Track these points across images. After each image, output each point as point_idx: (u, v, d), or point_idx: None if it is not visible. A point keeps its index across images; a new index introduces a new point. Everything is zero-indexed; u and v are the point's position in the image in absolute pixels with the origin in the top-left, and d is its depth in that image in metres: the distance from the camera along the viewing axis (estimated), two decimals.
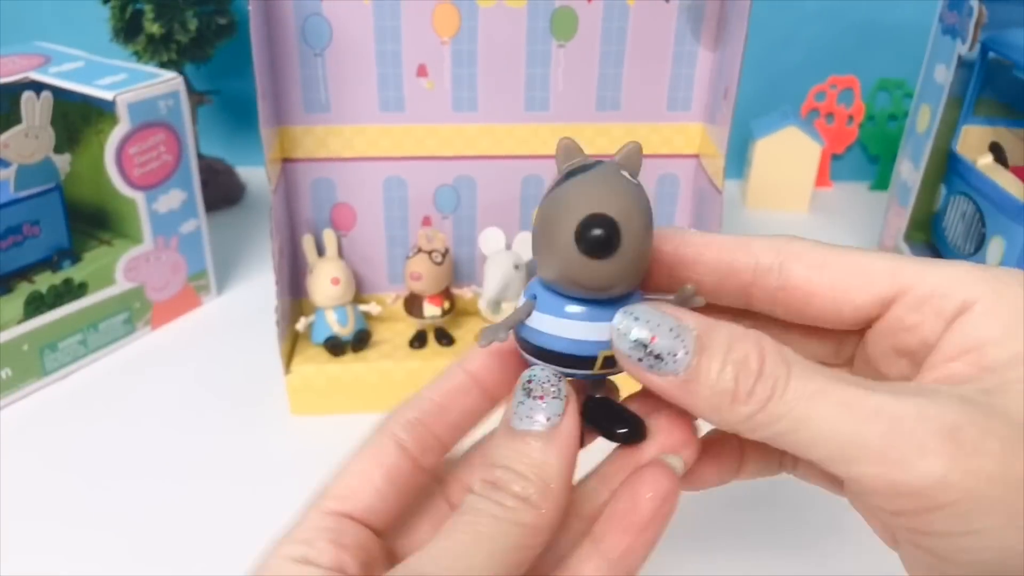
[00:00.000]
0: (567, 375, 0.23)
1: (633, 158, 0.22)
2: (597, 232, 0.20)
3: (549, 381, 0.22)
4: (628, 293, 0.22)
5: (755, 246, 0.23)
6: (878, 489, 0.19)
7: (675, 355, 0.21)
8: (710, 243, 0.24)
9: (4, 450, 0.47)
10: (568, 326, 0.22)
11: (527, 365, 0.23)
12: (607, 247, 0.20)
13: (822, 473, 0.25)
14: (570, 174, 0.21)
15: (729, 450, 0.26)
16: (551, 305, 0.22)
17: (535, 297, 0.23)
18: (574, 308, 0.22)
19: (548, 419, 0.21)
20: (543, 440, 0.21)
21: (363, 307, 0.54)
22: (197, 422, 0.49)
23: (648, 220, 0.21)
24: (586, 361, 0.22)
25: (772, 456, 0.26)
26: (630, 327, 0.21)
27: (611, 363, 0.22)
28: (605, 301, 0.22)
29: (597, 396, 0.25)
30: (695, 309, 0.22)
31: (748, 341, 0.21)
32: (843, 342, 0.25)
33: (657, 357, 0.21)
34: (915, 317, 0.21)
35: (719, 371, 0.20)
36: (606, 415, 0.24)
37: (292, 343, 0.53)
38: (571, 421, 0.22)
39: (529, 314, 0.22)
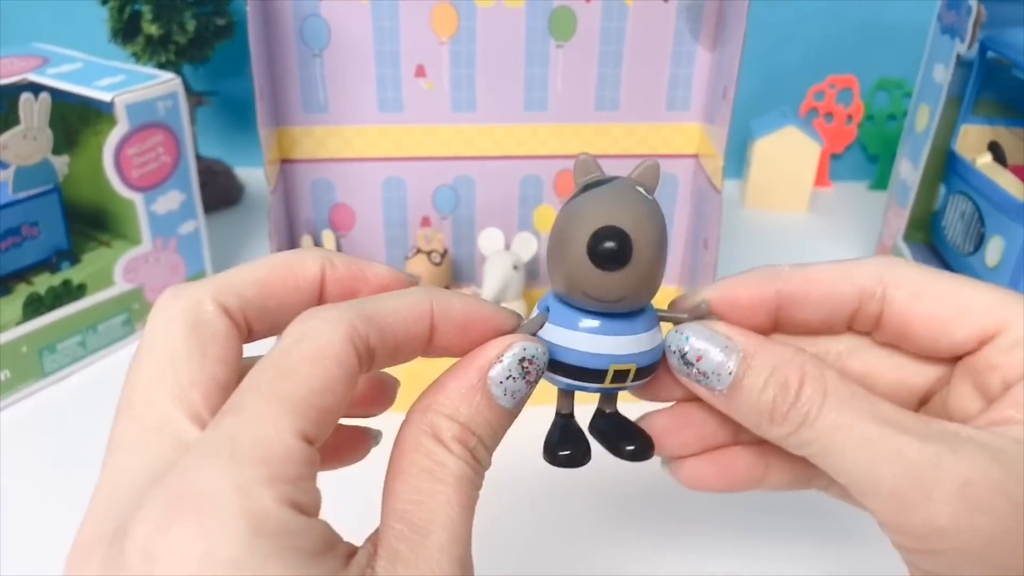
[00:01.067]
0: (576, 388, 0.23)
1: (650, 175, 0.23)
2: (609, 244, 0.20)
3: (541, 366, 0.22)
4: (641, 308, 0.22)
5: (857, 274, 0.23)
6: (885, 523, 0.21)
7: (719, 375, 0.22)
8: (812, 278, 0.24)
9: (3, 451, 0.47)
10: (580, 339, 0.22)
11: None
12: (618, 259, 0.20)
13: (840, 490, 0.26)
14: (586, 188, 0.22)
15: (746, 460, 0.26)
16: (564, 318, 0.22)
17: (548, 310, 0.23)
18: (587, 322, 0.22)
19: (520, 401, 0.22)
20: (509, 419, 0.22)
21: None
22: None
23: (662, 235, 0.22)
24: (597, 374, 0.22)
25: (801, 471, 0.26)
26: (679, 345, 0.23)
27: (621, 377, 0.22)
28: (617, 315, 0.22)
29: (607, 411, 0.25)
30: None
31: (792, 366, 0.22)
32: (940, 376, 0.24)
33: (703, 374, 0.22)
34: (1003, 358, 0.21)
35: (760, 391, 0.22)
36: (615, 431, 0.24)
37: None
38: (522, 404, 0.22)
39: (541, 326, 0.23)
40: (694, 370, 0.22)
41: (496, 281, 0.52)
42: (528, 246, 0.54)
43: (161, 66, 0.66)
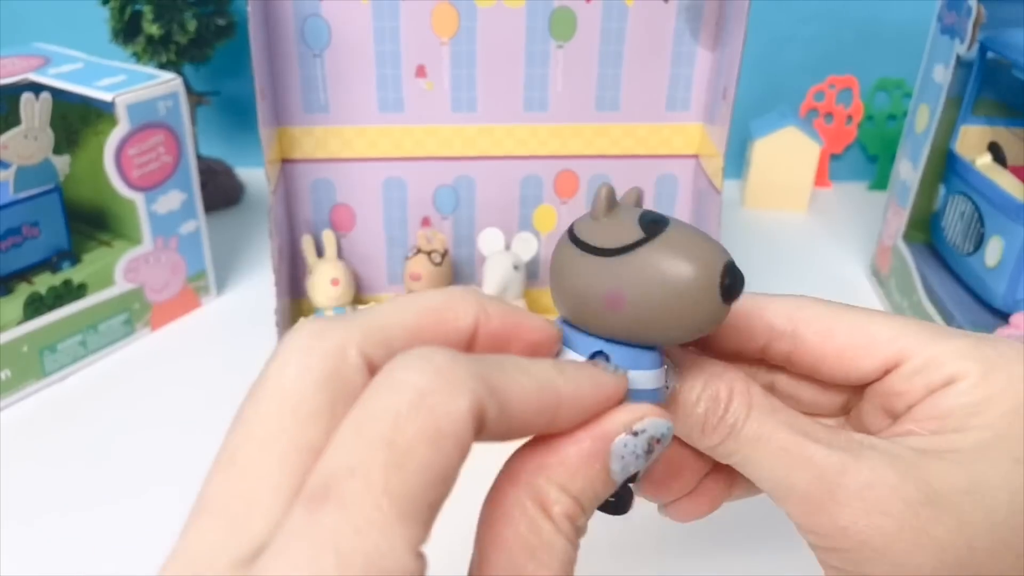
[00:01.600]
0: None
1: (636, 197, 0.23)
2: (740, 275, 0.21)
3: (664, 449, 0.21)
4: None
5: (768, 313, 0.25)
6: (799, 524, 0.23)
7: (666, 387, 0.23)
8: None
9: (4, 451, 0.47)
10: (640, 377, 0.21)
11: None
12: (741, 289, 0.21)
13: None
14: (656, 222, 0.21)
15: (719, 483, 0.27)
16: (580, 343, 0.22)
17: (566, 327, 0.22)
18: (604, 350, 0.21)
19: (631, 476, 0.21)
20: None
21: (363, 308, 0.54)
22: (197, 423, 0.49)
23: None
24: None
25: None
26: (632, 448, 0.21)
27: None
28: (627, 344, 0.21)
29: None
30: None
31: (722, 380, 0.23)
32: (853, 395, 0.26)
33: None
34: (906, 386, 0.23)
35: (693, 404, 0.23)
36: None
37: None
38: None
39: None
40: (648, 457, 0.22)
41: (496, 281, 0.52)
42: (528, 246, 0.54)
43: (162, 66, 0.66)
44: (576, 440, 0.19)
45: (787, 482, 0.22)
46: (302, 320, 0.19)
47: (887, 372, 0.24)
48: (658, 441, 0.20)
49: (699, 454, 0.26)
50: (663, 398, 0.22)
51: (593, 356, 0.21)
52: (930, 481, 0.21)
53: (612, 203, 0.22)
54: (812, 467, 0.22)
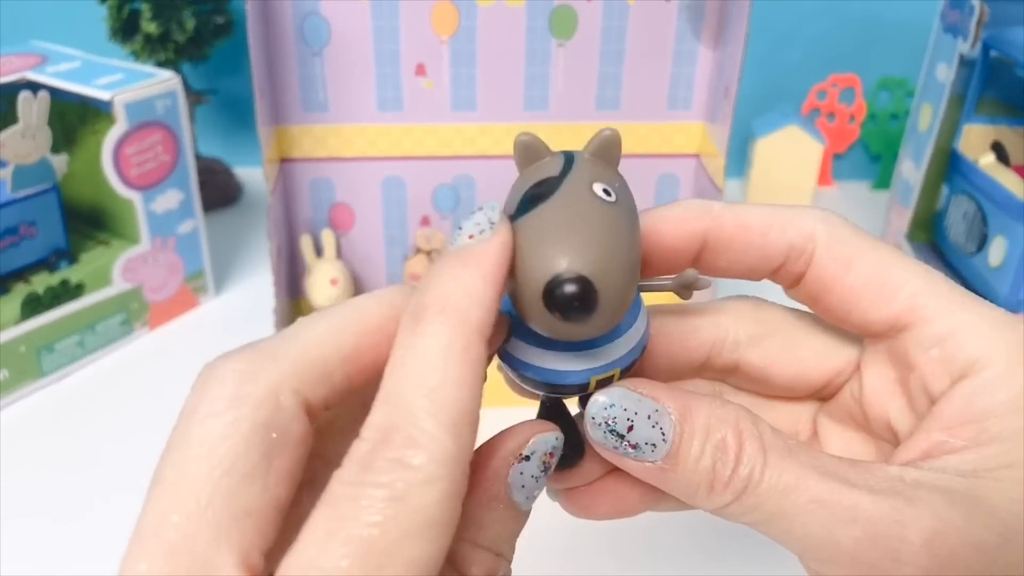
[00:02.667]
0: (560, 395, 0.21)
1: (607, 150, 0.19)
2: (569, 294, 0.17)
3: (558, 455, 0.20)
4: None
5: (791, 228, 0.21)
6: None
7: (653, 445, 0.19)
8: (743, 224, 0.21)
9: (2, 451, 0.47)
10: (553, 358, 0.20)
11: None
12: (583, 310, 0.17)
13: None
14: (533, 199, 0.18)
15: (640, 487, 0.23)
16: (530, 334, 0.20)
17: (510, 314, 0.20)
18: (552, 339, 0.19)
19: (535, 498, 0.20)
20: (526, 519, 0.20)
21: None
22: None
23: (633, 250, 0.18)
24: (577, 388, 0.20)
25: None
26: (605, 415, 0.20)
27: (605, 383, 0.20)
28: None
29: (551, 402, 0.22)
30: (700, 291, 0.21)
31: (726, 423, 0.19)
32: (847, 362, 0.23)
33: (635, 447, 0.19)
34: (923, 358, 0.20)
35: (697, 459, 0.19)
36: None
37: None
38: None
39: (507, 337, 0.20)
40: (624, 443, 0.19)
41: None
42: None
43: (160, 65, 0.66)
44: (471, 493, 0.18)
45: (830, 542, 0.18)
46: (222, 357, 0.17)
47: (895, 331, 0.21)
48: (551, 455, 0.19)
49: (638, 482, 0.22)
50: (628, 362, 0.20)
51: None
52: (995, 514, 0.18)
53: (526, 158, 0.20)
54: (859, 521, 0.18)
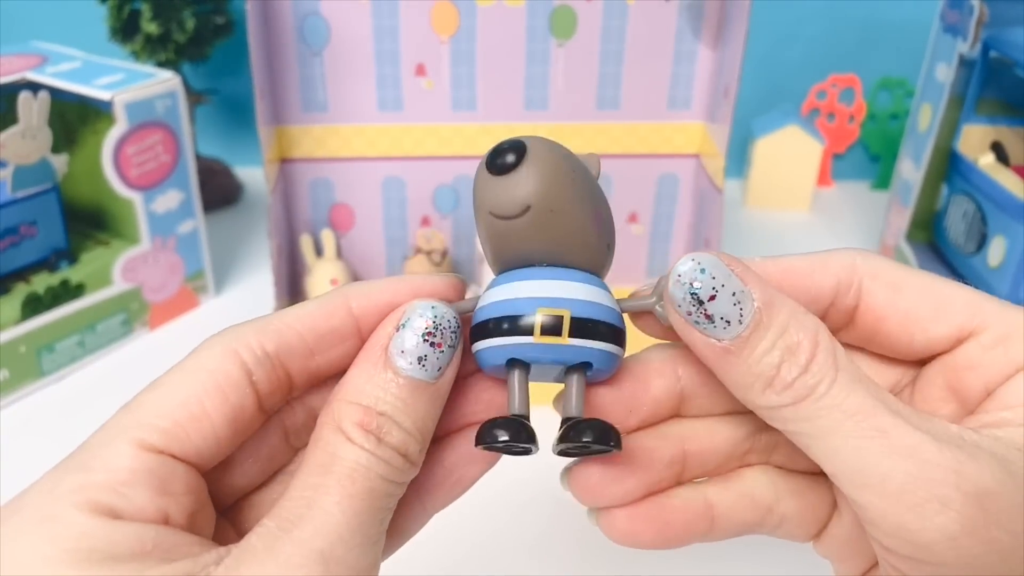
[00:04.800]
0: (510, 353, 0.20)
1: (591, 161, 0.22)
2: (502, 148, 0.20)
3: (451, 325, 0.20)
4: (578, 267, 0.21)
5: (833, 265, 0.21)
6: (880, 524, 0.19)
7: (728, 322, 0.19)
8: (787, 269, 0.21)
9: (2, 451, 0.47)
10: (505, 289, 0.20)
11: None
12: (511, 158, 0.19)
13: (799, 529, 0.24)
14: None
15: (688, 512, 0.23)
16: (497, 281, 0.21)
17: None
18: (512, 274, 0.21)
19: (439, 369, 0.20)
20: (430, 391, 0.20)
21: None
22: None
23: (577, 181, 0.20)
24: (525, 327, 0.20)
25: (750, 515, 0.24)
26: (692, 277, 0.19)
27: (554, 329, 0.20)
28: (552, 269, 0.21)
29: (572, 416, 0.21)
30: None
31: (806, 329, 0.19)
32: (904, 375, 0.23)
33: (709, 318, 0.19)
34: (985, 357, 0.20)
35: (766, 351, 0.19)
36: (577, 428, 0.20)
37: None
38: (454, 372, 0.20)
39: (476, 299, 0.21)
40: (701, 312, 0.19)
41: None
42: None
43: (160, 65, 0.66)
44: (359, 357, 0.20)
45: (879, 470, 0.18)
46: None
47: (959, 342, 0.21)
48: (430, 321, 0.20)
49: (667, 456, 0.22)
50: (582, 311, 0.20)
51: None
52: None
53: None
54: (916, 459, 0.18)
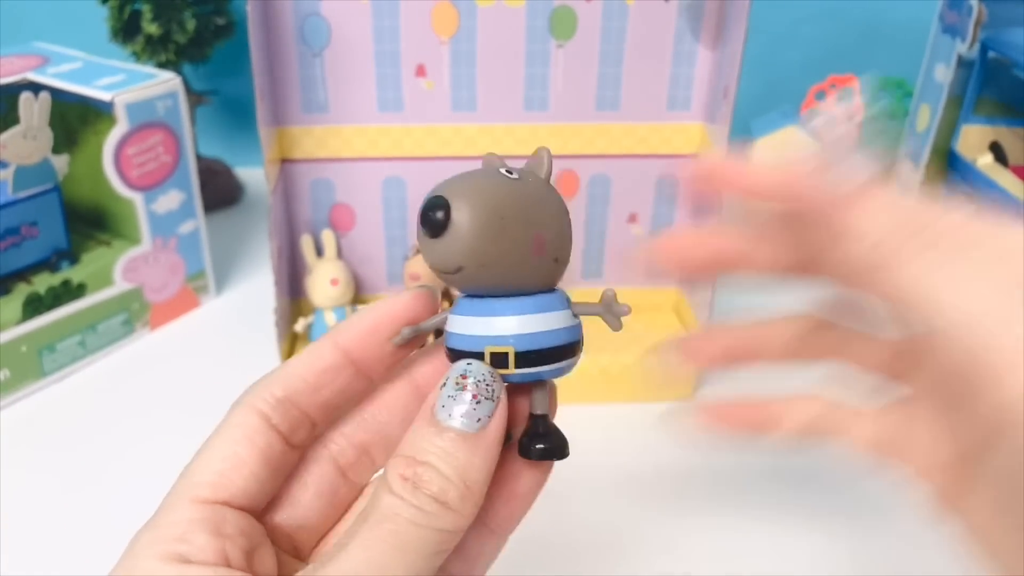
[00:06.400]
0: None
1: (534, 162, 0.23)
2: (429, 206, 0.21)
3: (485, 380, 0.21)
4: (526, 292, 0.22)
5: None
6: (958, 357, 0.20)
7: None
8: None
9: (3, 451, 0.47)
10: (458, 322, 0.22)
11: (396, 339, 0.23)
12: (434, 224, 0.21)
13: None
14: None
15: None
16: (458, 306, 0.23)
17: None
18: (470, 305, 0.22)
19: (479, 420, 0.21)
20: (471, 442, 0.21)
21: (362, 308, 0.53)
22: (196, 423, 0.49)
23: (508, 223, 0.21)
24: (474, 356, 0.22)
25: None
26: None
27: (501, 362, 0.21)
28: (509, 296, 0.22)
29: (535, 414, 0.23)
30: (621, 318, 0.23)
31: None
32: None
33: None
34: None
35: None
36: (530, 434, 0.23)
37: (291, 344, 0.53)
38: (500, 423, 0.21)
39: (444, 319, 0.23)
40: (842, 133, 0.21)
41: None
42: None
43: (161, 65, 0.66)
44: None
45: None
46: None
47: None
48: (463, 376, 0.21)
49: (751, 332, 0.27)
50: (525, 345, 0.21)
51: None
52: None
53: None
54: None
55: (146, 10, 0.64)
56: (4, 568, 0.40)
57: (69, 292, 0.53)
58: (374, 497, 0.20)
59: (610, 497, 0.45)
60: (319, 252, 0.54)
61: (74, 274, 0.53)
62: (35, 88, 0.50)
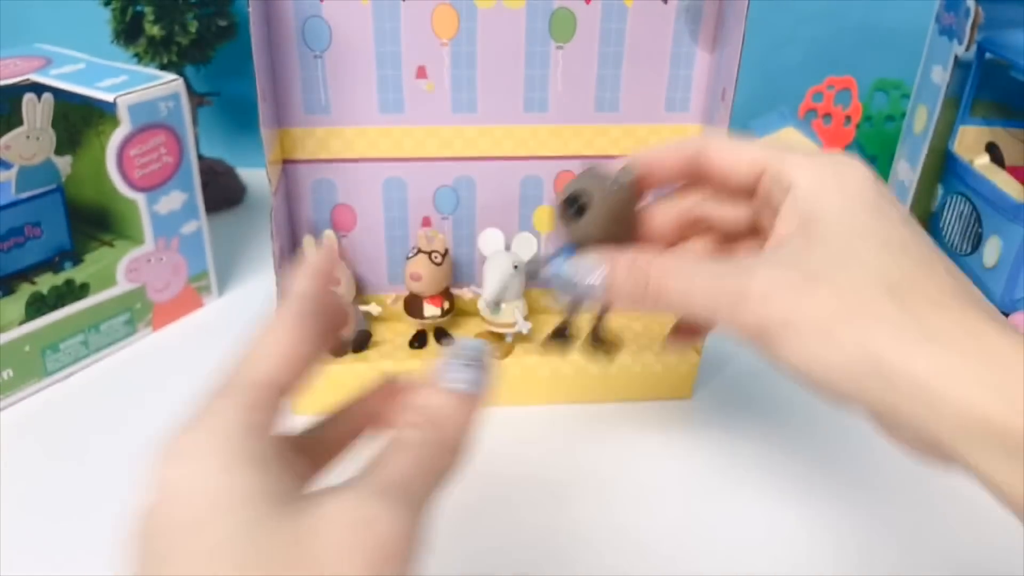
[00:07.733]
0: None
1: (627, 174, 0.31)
2: (567, 197, 0.30)
3: (477, 352, 0.27)
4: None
5: (687, 149, 0.32)
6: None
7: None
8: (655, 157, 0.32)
9: (5, 450, 0.48)
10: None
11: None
12: (573, 210, 0.30)
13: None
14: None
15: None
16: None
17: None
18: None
19: (473, 383, 0.26)
20: (467, 402, 0.26)
21: (363, 308, 0.54)
22: None
23: (610, 198, 0.30)
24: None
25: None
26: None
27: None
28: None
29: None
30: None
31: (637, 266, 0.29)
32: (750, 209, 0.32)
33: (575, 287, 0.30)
34: (771, 189, 0.29)
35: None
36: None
37: None
38: (487, 387, 0.27)
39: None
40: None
41: (496, 281, 0.52)
42: (528, 246, 0.54)
43: (163, 67, 0.66)
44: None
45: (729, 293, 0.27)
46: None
47: (758, 177, 0.30)
48: (472, 360, 0.27)
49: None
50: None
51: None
52: (804, 269, 0.26)
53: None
54: (729, 288, 0.27)
55: (148, 12, 0.65)
56: (5, 568, 0.41)
57: (72, 292, 0.53)
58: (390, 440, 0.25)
59: (610, 496, 0.45)
60: None
61: (77, 274, 0.53)
62: (38, 89, 0.50)
